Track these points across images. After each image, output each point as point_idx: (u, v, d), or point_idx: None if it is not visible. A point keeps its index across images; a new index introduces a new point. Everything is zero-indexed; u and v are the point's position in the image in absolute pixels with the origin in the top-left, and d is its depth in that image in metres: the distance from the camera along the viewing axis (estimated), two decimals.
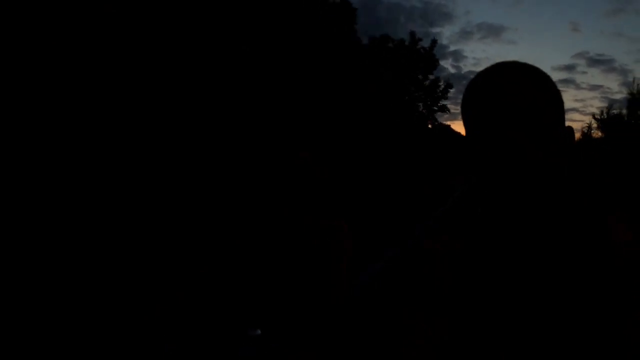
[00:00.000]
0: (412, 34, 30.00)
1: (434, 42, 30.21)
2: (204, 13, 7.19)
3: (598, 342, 0.49)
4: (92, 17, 5.50)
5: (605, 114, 22.67)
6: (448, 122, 47.98)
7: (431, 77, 30.93)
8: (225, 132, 7.23)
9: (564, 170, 0.53)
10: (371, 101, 13.97)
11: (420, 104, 31.19)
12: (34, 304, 3.07)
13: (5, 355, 2.54)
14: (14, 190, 4.33)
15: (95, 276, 3.59)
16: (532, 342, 0.52)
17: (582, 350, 0.49)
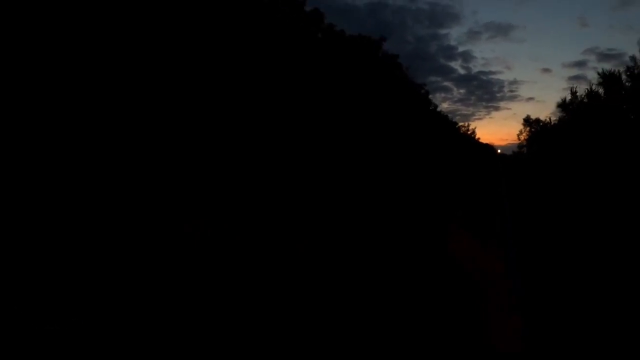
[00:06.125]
0: None
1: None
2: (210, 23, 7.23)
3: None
4: (92, 16, 5.51)
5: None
6: (461, 124, 49.77)
7: None
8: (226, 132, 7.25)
9: None
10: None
11: None
12: (34, 303, 3.07)
13: (6, 355, 2.54)
14: (14, 190, 4.33)
15: (95, 276, 3.59)
16: None
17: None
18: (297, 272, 4.10)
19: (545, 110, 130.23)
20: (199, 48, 6.92)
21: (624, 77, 12.59)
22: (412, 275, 4.19)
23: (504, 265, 4.61)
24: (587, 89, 17.04)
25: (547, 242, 5.75)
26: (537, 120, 41.07)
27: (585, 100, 16.49)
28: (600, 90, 14.40)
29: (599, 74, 14.19)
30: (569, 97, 21.97)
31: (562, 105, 23.33)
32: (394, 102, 15.11)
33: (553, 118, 32.06)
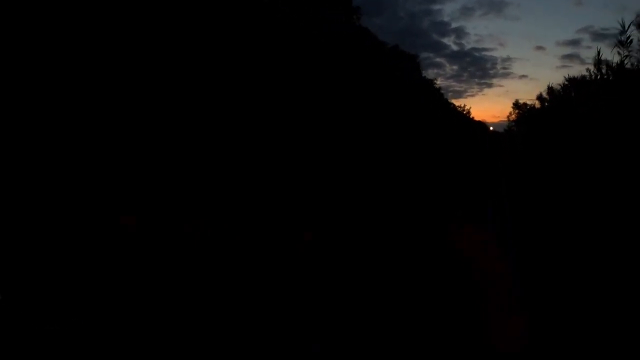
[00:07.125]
0: None
1: None
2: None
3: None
4: (92, 16, 5.51)
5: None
6: (458, 104, 50.94)
7: None
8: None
9: None
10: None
11: None
12: (33, 303, 3.07)
13: (6, 356, 2.54)
14: (13, 190, 4.33)
15: (94, 276, 3.59)
16: None
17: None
18: (297, 271, 4.11)
19: (538, 89, 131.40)
20: (197, 45, 6.92)
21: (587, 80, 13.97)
22: (413, 275, 4.20)
23: (504, 265, 4.61)
24: (560, 84, 18.51)
25: (546, 238, 5.76)
26: (525, 105, 46.79)
27: (562, 93, 17.79)
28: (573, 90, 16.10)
29: (565, 78, 16.11)
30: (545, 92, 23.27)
31: (540, 99, 24.59)
32: (409, 103, 15.16)
33: (537, 105, 35.47)
